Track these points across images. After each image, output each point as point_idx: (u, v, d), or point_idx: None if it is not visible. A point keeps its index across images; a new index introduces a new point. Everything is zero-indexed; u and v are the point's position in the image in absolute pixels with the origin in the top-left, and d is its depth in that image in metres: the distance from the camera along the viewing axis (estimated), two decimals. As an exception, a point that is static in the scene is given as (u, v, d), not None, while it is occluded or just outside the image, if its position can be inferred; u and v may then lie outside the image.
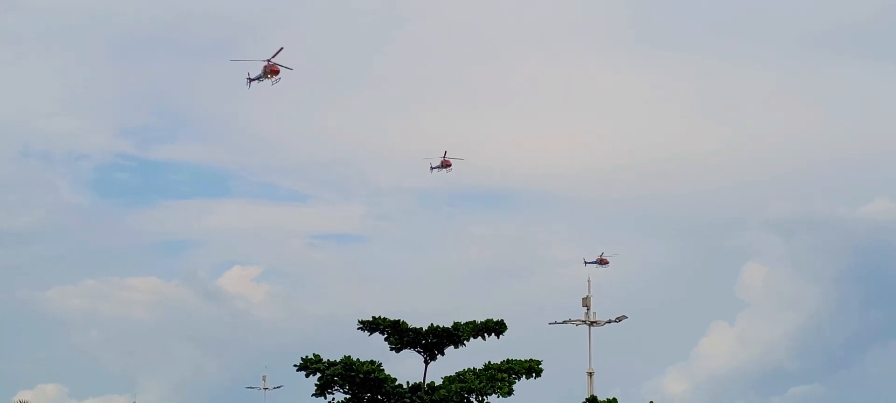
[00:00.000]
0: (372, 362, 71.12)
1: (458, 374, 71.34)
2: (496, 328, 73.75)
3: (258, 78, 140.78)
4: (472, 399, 70.24)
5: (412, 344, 73.26)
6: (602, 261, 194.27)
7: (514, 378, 71.57)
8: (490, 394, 70.96)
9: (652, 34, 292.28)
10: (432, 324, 73.12)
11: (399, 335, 72.91)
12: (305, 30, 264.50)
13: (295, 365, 71.84)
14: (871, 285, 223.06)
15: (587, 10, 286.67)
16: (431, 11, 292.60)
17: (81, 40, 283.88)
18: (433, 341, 72.95)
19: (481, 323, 73.46)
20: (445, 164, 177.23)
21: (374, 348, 73.40)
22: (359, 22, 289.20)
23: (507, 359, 72.47)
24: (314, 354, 71.21)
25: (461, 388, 69.76)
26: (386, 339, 73.39)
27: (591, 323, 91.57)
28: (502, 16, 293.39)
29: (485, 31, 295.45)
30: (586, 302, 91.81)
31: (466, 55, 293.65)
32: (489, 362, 72.49)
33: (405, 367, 74.22)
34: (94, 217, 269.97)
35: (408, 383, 71.89)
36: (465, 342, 73.38)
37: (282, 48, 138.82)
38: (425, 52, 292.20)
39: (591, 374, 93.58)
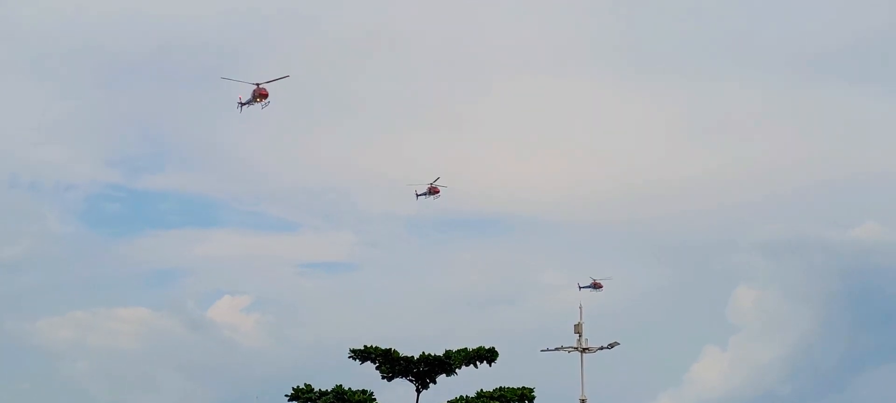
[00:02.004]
0: (364, 391, 70.90)
1: (450, 403, 71.16)
2: (488, 355, 73.63)
3: (249, 102, 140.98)
4: (464, 427, 69.98)
5: (404, 373, 73.08)
6: (596, 285, 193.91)
7: (507, 407, 71.38)
8: (482, 423, 70.77)
9: (639, 58, 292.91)
10: (424, 352, 73.00)
11: (390, 363, 72.72)
12: (292, 57, 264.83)
13: (286, 395, 71.62)
14: (862, 308, 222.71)
15: (574, 35, 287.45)
16: (418, 37, 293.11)
17: (69, 70, 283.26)
18: (425, 369, 72.78)
19: (473, 350, 73.34)
20: (433, 191, 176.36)
21: (365, 376, 73.24)
22: (345, 48, 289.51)
23: (500, 387, 72.30)
24: (306, 384, 71.06)
25: (453, 417, 69.56)
26: (377, 368, 73.22)
27: (584, 350, 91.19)
28: (490, 41, 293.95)
29: (472, 56, 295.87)
30: (578, 329, 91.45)
31: (454, 80, 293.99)
32: (481, 390, 72.34)
33: (397, 396, 74.02)
34: (83, 247, 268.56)
35: (400, 412, 71.71)
36: (456, 370, 73.22)
37: (286, 75, 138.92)
38: (413, 78, 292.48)
39: (583, 401, 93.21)
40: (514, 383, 72.61)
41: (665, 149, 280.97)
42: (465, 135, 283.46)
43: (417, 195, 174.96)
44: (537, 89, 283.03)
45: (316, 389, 70.80)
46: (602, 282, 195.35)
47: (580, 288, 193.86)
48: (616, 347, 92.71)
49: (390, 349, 72.90)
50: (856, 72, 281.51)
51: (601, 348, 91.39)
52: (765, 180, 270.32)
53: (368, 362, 73.19)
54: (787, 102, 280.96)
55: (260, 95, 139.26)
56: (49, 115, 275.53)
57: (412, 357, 72.75)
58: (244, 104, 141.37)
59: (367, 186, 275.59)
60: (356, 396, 70.07)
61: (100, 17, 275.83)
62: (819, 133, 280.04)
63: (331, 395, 70.19)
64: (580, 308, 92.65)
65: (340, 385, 71.11)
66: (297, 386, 70.89)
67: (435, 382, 73.32)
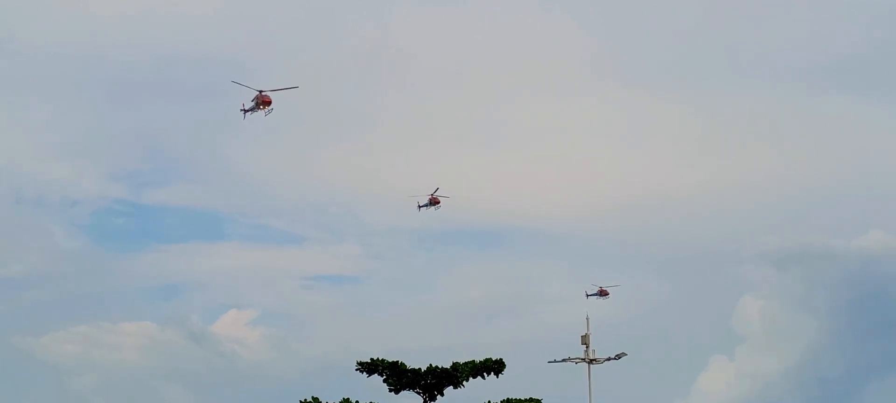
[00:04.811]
0: (371, 404, 70.89)
1: (457, 415, 71.10)
2: (495, 367, 73.56)
3: (252, 109, 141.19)
4: (472, 440, 69.87)
5: (411, 385, 73.00)
6: (602, 293, 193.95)
7: (515, 419, 71.33)
8: (491, 435, 70.71)
9: (642, 71, 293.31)
10: (431, 365, 72.96)
11: (398, 376, 72.68)
12: (298, 70, 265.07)
13: (293, 409, 71.45)
14: (868, 317, 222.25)
15: (577, 49, 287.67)
16: (424, 51, 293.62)
17: (73, 85, 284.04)
18: (432, 382, 72.70)
19: (480, 362, 73.28)
20: (434, 202, 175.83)
21: (372, 389, 73.17)
22: (352, 62, 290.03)
23: (507, 399, 72.24)
24: (312, 397, 70.93)
25: (461, 429, 69.47)
26: (384, 380, 73.19)
27: (591, 361, 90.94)
28: (494, 55, 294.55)
29: (476, 71, 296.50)
30: (585, 340, 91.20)
31: (459, 94, 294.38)
32: (489, 402, 72.30)
33: (404, 408, 73.88)
34: (89, 262, 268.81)
35: (407, 425, 71.62)
36: (463, 382, 73.14)
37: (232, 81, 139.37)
38: (417, 92, 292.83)
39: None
40: (522, 394, 72.51)
41: (669, 159, 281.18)
42: (469, 148, 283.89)
43: (419, 207, 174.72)
44: (541, 102, 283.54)
45: (323, 402, 70.68)
46: (608, 290, 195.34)
47: (587, 296, 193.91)
48: (623, 358, 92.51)
49: (397, 361, 72.89)
50: (860, 81, 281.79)
51: (608, 359, 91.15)
52: (769, 190, 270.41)
53: (375, 375, 73.19)
54: (790, 112, 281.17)
55: (263, 102, 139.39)
56: (54, 131, 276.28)
57: (419, 369, 72.74)
58: (247, 111, 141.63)
59: (372, 199, 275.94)
60: (363, 409, 70.05)
61: (104, 32, 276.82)
62: (823, 142, 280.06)
63: (338, 408, 70.17)
64: (587, 319, 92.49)
65: (347, 399, 71.11)
66: (304, 400, 70.82)
67: (442, 394, 73.24)
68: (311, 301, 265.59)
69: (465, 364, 73.06)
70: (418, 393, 73.14)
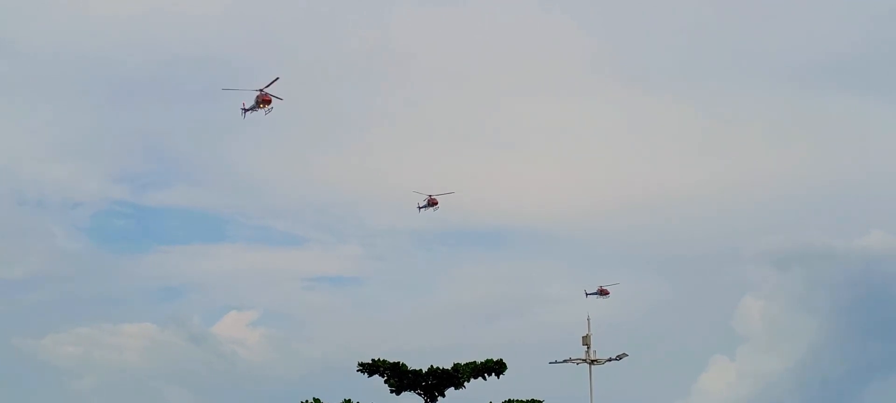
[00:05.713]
0: (372, 405, 70.84)
1: (459, 416, 71.08)
2: (496, 368, 73.56)
3: (252, 108, 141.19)
4: (473, 440, 69.85)
5: (412, 386, 72.98)
6: (603, 292, 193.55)
7: (516, 419, 71.32)
8: (492, 436, 70.68)
9: (643, 71, 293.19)
10: (432, 366, 72.95)
11: (399, 377, 72.65)
12: (299, 72, 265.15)
13: (294, 410, 71.43)
14: (869, 317, 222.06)
15: (577, 49, 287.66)
16: (424, 51, 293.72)
17: (75, 86, 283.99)
18: (433, 383, 72.67)
19: (481, 363, 73.28)
20: (432, 202, 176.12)
21: (373, 390, 73.15)
22: (353, 64, 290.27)
23: (509, 400, 72.24)
24: (314, 398, 70.91)
25: (462, 430, 69.45)
26: (386, 381, 73.17)
27: (592, 362, 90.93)
28: (494, 55, 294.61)
29: (477, 71, 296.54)
30: (586, 341, 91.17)
31: (459, 95, 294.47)
32: (490, 402, 72.28)
33: (405, 409, 73.82)
34: (90, 264, 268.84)
35: (408, 425, 71.57)
36: (465, 383, 73.13)
37: (277, 78, 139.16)
38: (417, 92, 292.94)
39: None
40: (523, 395, 72.53)
41: (669, 160, 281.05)
42: (470, 148, 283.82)
43: (419, 208, 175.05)
44: (541, 102, 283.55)
45: (324, 403, 70.69)
46: (609, 289, 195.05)
47: (587, 294, 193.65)
48: (624, 358, 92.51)
49: (399, 362, 72.88)
50: (860, 81, 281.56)
51: (609, 360, 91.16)
52: (770, 190, 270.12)
53: (377, 376, 73.17)
54: (791, 112, 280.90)
55: (263, 101, 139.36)
56: (55, 132, 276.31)
57: (421, 370, 72.74)
58: (247, 110, 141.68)
59: (373, 200, 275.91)
60: (365, 410, 70.00)
61: (105, 33, 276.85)
62: (824, 142, 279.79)
63: (339, 409, 70.13)
64: (588, 319, 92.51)
65: (348, 400, 71.08)
66: (305, 401, 70.80)
67: (444, 395, 73.22)
68: (312, 302, 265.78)
69: (467, 364, 73.05)
70: (419, 394, 73.12)
